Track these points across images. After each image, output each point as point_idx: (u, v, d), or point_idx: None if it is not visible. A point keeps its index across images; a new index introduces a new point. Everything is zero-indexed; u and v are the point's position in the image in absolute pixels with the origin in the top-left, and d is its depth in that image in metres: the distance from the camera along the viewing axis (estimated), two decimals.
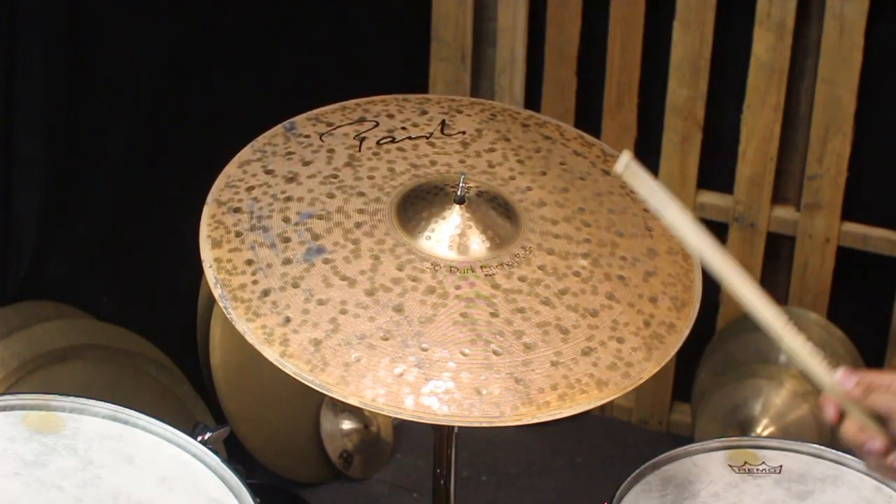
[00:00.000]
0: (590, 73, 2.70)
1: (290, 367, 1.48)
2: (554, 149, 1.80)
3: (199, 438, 1.61)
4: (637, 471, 1.69)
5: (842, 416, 1.40)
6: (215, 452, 1.59)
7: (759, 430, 2.58)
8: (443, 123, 1.81)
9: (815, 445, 1.72)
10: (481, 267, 1.58)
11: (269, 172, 1.69)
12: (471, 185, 1.67)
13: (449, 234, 1.61)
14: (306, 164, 1.70)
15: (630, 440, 2.83)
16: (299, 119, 1.79)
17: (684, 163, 2.66)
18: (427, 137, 1.78)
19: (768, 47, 2.53)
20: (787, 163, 2.65)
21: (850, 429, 1.39)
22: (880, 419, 1.38)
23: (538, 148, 1.80)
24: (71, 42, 2.18)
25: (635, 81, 2.66)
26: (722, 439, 1.73)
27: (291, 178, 1.68)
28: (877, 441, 1.37)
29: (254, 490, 1.55)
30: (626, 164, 1.42)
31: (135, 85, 2.32)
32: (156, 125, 2.36)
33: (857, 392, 1.39)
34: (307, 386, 1.48)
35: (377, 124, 1.79)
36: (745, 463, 1.71)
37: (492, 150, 1.77)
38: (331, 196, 1.66)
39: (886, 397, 1.38)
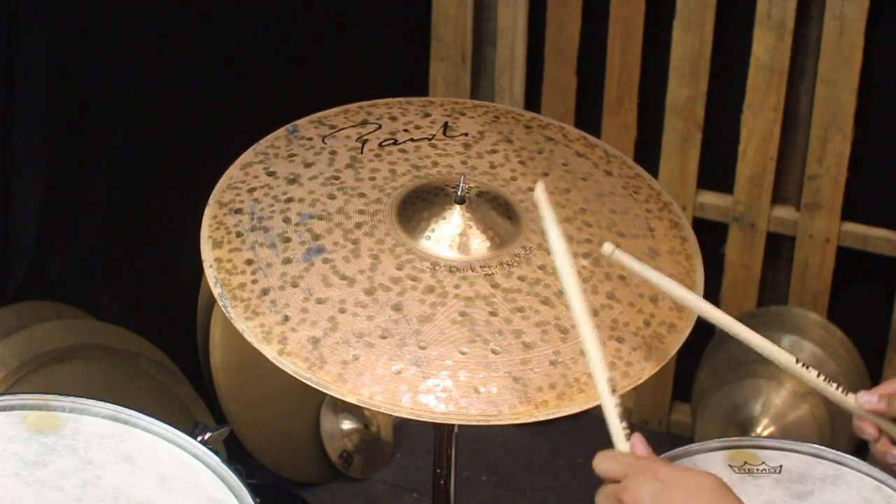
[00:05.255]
0: (590, 73, 2.70)
1: (288, 365, 1.48)
2: (556, 150, 1.80)
3: (199, 438, 1.61)
4: None
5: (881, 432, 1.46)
6: (215, 452, 1.59)
7: (759, 430, 2.58)
8: (445, 125, 1.80)
9: (815, 445, 1.72)
10: (481, 266, 1.58)
11: (270, 174, 1.69)
12: (471, 185, 1.67)
13: (449, 234, 1.61)
14: (308, 165, 1.70)
15: None
16: (302, 122, 1.79)
17: (684, 163, 2.66)
18: (429, 139, 1.78)
19: (768, 47, 2.53)
20: (787, 163, 2.65)
21: (877, 447, 1.46)
22: None
23: (540, 149, 1.80)
24: (71, 42, 2.18)
25: (635, 81, 2.66)
26: (722, 439, 1.73)
27: (293, 180, 1.68)
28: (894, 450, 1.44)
29: (254, 490, 1.55)
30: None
31: (135, 85, 2.32)
32: (156, 125, 2.36)
33: (882, 406, 1.44)
34: (307, 386, 1.48)
35: (380, 126, 1.78)
36: (745, 463, 1.70)
37: (494, 152, 1.77)
38: (332, 197, 1.65)
39: None
